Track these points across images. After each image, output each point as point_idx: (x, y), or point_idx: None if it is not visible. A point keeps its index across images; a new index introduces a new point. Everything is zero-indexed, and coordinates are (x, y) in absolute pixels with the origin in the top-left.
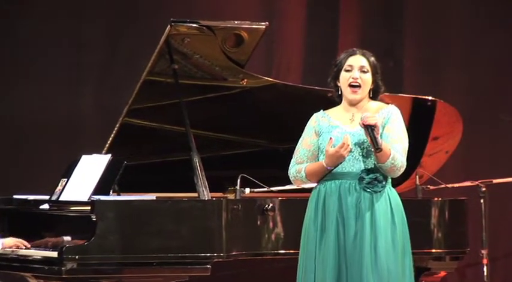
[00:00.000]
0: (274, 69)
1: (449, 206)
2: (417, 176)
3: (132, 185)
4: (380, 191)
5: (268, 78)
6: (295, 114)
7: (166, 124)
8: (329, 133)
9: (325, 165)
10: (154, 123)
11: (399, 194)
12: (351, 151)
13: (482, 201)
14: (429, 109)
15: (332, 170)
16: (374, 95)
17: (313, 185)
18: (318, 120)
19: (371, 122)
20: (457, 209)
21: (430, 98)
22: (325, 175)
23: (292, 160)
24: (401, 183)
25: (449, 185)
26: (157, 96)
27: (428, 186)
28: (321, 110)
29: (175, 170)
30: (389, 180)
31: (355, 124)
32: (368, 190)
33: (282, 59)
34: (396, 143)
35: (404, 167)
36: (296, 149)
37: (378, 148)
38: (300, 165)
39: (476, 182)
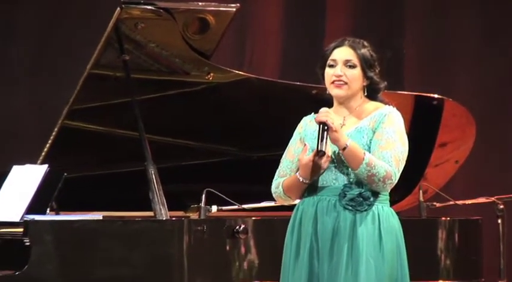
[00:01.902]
0: (247, 61)
1: (460, 227)
2: (420, 191)
3: (74, 201)
4: (365, 210)
5: (239, 72)
6: (271, 116)
7: (116, 128)
8: (312, 141)
9: (299, 178)
10: (100, 127)
11: (398, 213)
12: (333, 161)
13: (499, 221)
14: (435, 109)
15: (308, 183)
16: (371, 93)
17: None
18: (305, 125)
19: (322, 118)
20: (469, 230)
21: (436, 96)
22: (305, 190)
23: (276, 173)
24: (402, 200)
25: (460, 202)
26: (105, 94)
27: (434, 203)
28: (312, 113)
29: (127, 184)
30: (384, 197)
31: (347, 130)
32: (349, 208)
33: (255, 49)
34: (385, 150)
35: (394, 177)
36: (281, 160)
37: (319, 150)
38: (280, 179)
39: (492, 198)
